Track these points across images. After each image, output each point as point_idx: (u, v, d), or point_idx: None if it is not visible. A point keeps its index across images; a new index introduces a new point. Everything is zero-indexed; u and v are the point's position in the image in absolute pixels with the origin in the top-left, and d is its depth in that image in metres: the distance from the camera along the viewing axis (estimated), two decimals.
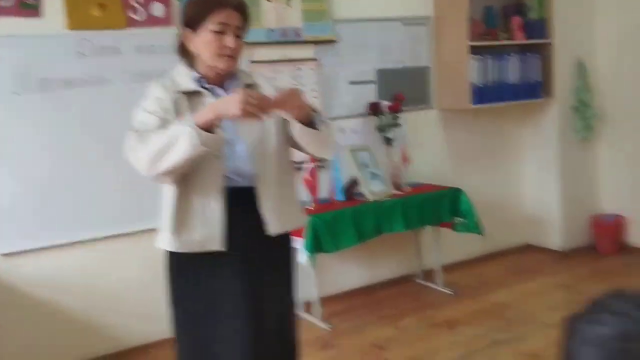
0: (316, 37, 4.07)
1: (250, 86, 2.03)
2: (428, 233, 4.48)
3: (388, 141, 4.28)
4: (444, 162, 4.70)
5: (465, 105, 4.41)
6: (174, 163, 1.81)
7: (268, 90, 2.03)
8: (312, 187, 3.78)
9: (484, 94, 4.43)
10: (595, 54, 4.91)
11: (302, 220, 2.18)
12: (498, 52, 4.50)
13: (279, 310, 2.09)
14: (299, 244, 3.63)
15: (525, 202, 5.13)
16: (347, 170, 4.03)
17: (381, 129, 4.28)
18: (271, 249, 2.05)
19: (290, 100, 1.87)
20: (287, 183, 2.09)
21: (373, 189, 3.98)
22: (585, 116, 4.83)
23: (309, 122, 1.95)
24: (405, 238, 4.50)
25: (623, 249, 4.89)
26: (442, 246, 4.44)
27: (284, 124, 2.03)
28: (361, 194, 3.98)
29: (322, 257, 3.91)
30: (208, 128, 1.79)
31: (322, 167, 4.10)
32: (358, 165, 4.03)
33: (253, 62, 3.77)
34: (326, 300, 4.08)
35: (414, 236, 4.56)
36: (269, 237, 2.02)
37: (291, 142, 2.06)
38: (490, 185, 4.93)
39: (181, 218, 1.95)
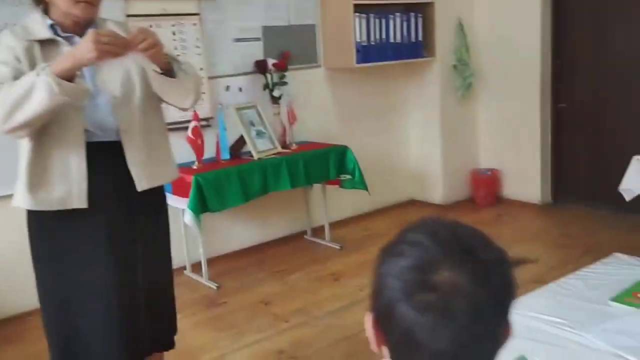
0: None
1: None
2: (317, 191, 4.55)
3: (275, 99, 4.27)
4: (331, 120, 4.76)
5: (350, 64, 4.47)
6: (31, 115, 1.71)
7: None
8: (196, 146, 3.71)
9: (368, 53, 4.50)
10: (473, 15, 5.11)
11: (173, 175, 2.13)
12: (382, 11, 4.58)
13: (150, 269, 2.05)
14: (183, 204, 3.59)
15: (410, 159, 5.33)
16: (234, 129, 3.99)
17: (268, 87, 4.25)
18: (141, 205, 2.00)
19: (144, 38, 1.79)
20: (155, 136, 2.03)
21: (259, 148, 3.97)
22: (464, 75, 5.04)
23: (168, 70, 1.90)
24: (294, 196, 4.55)
25: (498, 200, 5.21)
26: (331, 203, 4.54)
27: (147, 74, 1.96)
28: (248, 153, 3.97)
29: (211, 217, 3.88)
30: (67, 77, 1.70)
31: (208, 125, 4.04)
32: (244, 123, 4.00)
33: (129, 15, 3.60)
34: (215, 260, 4.07)
35: (303, 194, 4.62)
36: (138, 193, 1.97)
37: (156, 95, 2.00)
38: (377, 143, 5.06)
39: (39, 175, 1.85)
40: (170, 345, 2.18)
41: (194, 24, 3.95)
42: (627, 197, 3.22)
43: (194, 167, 3.72)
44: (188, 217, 3.51)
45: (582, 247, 4.00)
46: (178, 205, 3.69)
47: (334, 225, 4.65)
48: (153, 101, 2.01)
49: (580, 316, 1.51)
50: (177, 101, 2.02)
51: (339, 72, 4.72)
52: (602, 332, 1.41)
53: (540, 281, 2.50)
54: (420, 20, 4.80)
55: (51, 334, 2.00)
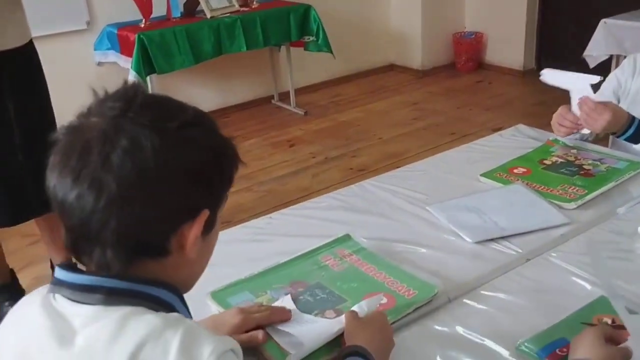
0: None
1: None
2: (285, 54, 4.34)
3: None
4: None
5: None
6: None
7: None
8: (140, 2, 3.48)
9: None
10: None
11: (25, 37, 1.98)
12: None
13: (29, 129, 1.96)
14: (128, 64, 3.45)
15: (389, 22, 5.00)
16: None
17: None
18: (6, 65, 1.89)
19: None
20: None
21: (213, 5, 3.73)
22: None
23: None
24: (261, 59, 4.36)
25: (480, 66, 4.96)
26: (301, 67, 4.35)
27: None
28: (203, 12, 3.74)
29: (170, 79, 3.76)
30: None
31: None
32: None
33: None
34: None
35: (270, 57, 4.42)
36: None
37: None
38: (354, 4, 4.73)
39: None
40: None
41: None
42: (591, 64, 2.99)
43: (141, 25, 3.53)
44: (131, 78, 3.38)
45: (550, 117, 3.82)
46: (127, 66, 3.56)
47: (304, 90, 4.50)
48: None
49: (438, 188, 1.41)
50: None
51: None
52: (448, 208, 1.32)
53: None
54: None
55: None
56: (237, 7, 3.83)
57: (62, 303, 0.70)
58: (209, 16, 3.68)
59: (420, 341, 0.97)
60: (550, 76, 1.57)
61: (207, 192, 0.73)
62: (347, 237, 1.22)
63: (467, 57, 4.91)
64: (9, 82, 1.91)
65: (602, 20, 2.96)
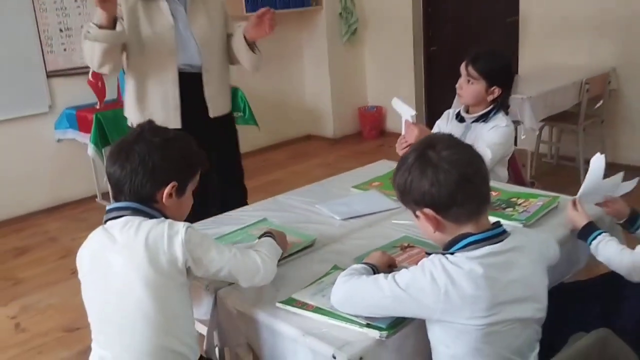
0: None
1: None
2: None
3: None
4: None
5: (240, 12, 5.01)
6: (97, 57, 2.32)
7: None
8: (96, 88, 4.23)
9: (257, 2, 5.04)
10: None
11: (230, 106, 2.76)
12: None
13: (224, 169, 2.67)
14: (88, 139, 4.14)
15: (305, 99, 5.96)
16: None
17: None
18: (215, 123, 2.63)
19: (271, 17, 2.54)
20: (224, 74, 2.67)
21: None
22: (349, 22, 5.64)
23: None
24: None
25: (382, 133, 5.94)
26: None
27: (227, 24, 2.68)
28: None
29: None
30: (107, 26, 2.26)
31: None
32: None
33: None
34: None
35: None
36: (211, 119, 2.61)
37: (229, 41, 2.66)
38: (274, 85, 5.65)
39: (142, 102, 2.52)
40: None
41: None
42: None
43: (97, 107, 4.26)
44: (90, 150, 4.06)
45: None
46: (85, 141, 4.24)
47: None
48: (225, 44, 2.66)
49: (326, 196, 2.20)
50: (249, 67, 2.70)
51: (232, 20, 5.21)
52: (329, 204, 2.10)
53: None
54: None
55: None
56: None
57: (108, 224, 1.43)
58: None
59: (310, 263, 1.72)
60: (395, 103, 2.43)
61: (174, 172, 1.46)
62: (264, 220, 1.98)
63: (370, 126, 5.89)
64: (220, 139, 2.64)
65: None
